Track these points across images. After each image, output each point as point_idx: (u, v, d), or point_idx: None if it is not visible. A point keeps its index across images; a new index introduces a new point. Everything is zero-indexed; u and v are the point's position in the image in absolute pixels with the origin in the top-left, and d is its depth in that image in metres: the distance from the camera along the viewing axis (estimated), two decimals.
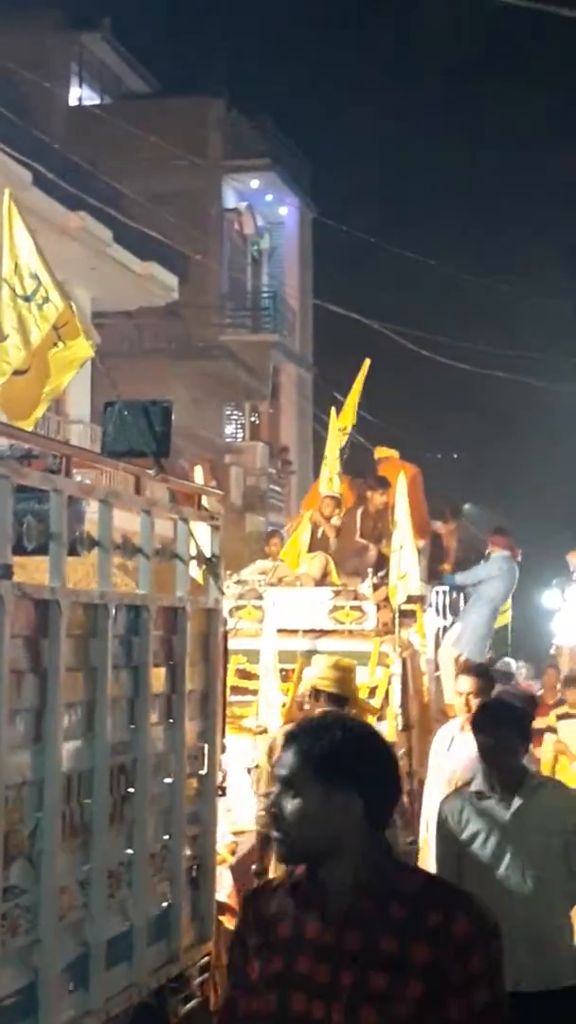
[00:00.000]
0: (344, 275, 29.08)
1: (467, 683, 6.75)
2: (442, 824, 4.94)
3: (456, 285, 28.92)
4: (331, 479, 11.46)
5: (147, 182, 23.18)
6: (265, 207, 27.68)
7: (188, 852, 5.53)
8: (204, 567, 6.00)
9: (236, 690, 9.46)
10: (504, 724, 4.83)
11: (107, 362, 21.71)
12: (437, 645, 11.03)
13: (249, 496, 25.24)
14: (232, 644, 9.77)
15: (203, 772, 5.74)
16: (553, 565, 18.87)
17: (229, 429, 27.09)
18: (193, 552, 5.81)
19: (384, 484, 11.33)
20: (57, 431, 18.45)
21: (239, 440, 26.96)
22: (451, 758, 6.82)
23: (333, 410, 12.11)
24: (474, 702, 6.55)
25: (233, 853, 6.74)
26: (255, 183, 26.79)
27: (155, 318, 23.42)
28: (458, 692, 6.87)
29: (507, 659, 15.46)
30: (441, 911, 2.40)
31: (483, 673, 7.06)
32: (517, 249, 36.92)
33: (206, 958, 5.67)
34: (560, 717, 10.69)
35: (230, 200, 26.45)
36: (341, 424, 12.17)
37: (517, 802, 4.76)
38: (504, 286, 30.26)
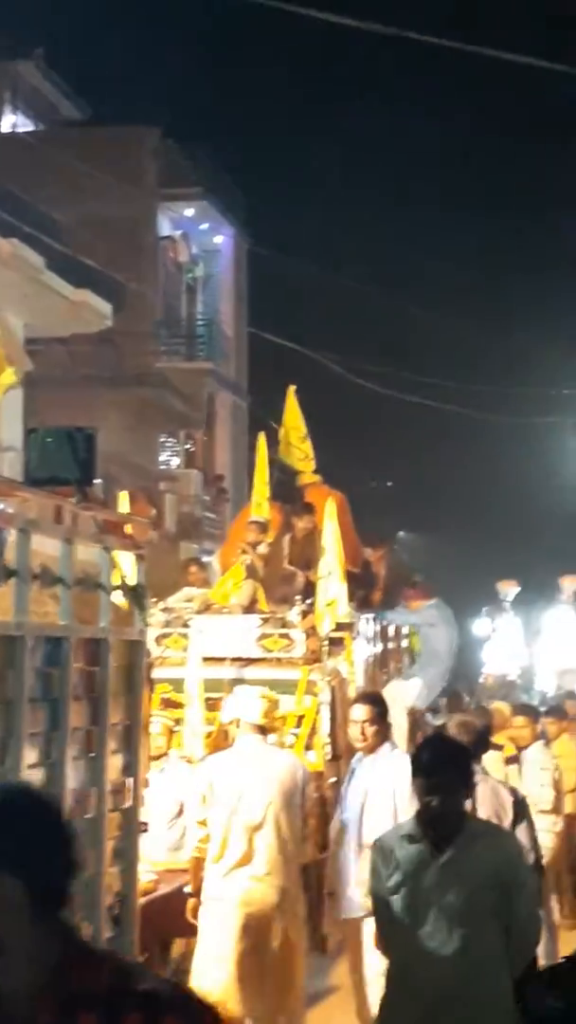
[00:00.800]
0: (279, 304, 29.13)
1: (361, 711, 6.56)
2: (374, 870, 4.53)
3: (391, 314, 29.08)
4: (260, 504, 11.35)
5: (81, 209, 22.98)
6: (200, 235, 27.61)
7: (110, 890, 5.40)
8: (128, 597, 5.88)
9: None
10: (442, 764, 4.37)
11: (41, 389, 21.59)
12: (366, 673, 10.91)
13: (184, 524, 25.07)
14: (158, 673, 9.62)
15: (126, 807, 5.60)
16: (486, 593, 18.92)
17: (164, 457, 26.91)
18: (117, 582, 5.70)
19: (309, 510, 11.23)
20: None
21: (174, 468, 26.79)
22: (350, 793, 6.59)
23: (262, 436, 12.03)
24: (369, 730, 6.46)
25: (147, 894, 6.31)
26: (190, 212, 26.71)
27: (89, 345, 23.18)
28: (352, 721, 6.68)
29: None
30: (142, 1014, 1.92)
31: (377, 701, 6.85)
32: (453, 278, 37.20)
33: None
34: None
35: (165, 228, 26.35)
36: (296, 457, 12.05)
37: (450, 851, 4.30)
38: (440, 316, 30.42)
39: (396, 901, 4.35)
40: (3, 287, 17.35)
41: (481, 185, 44.51)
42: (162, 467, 26.37)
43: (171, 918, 6.67)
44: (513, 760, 8.86)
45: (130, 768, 5.66)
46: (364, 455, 31.78)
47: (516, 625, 17.57)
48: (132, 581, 5.88)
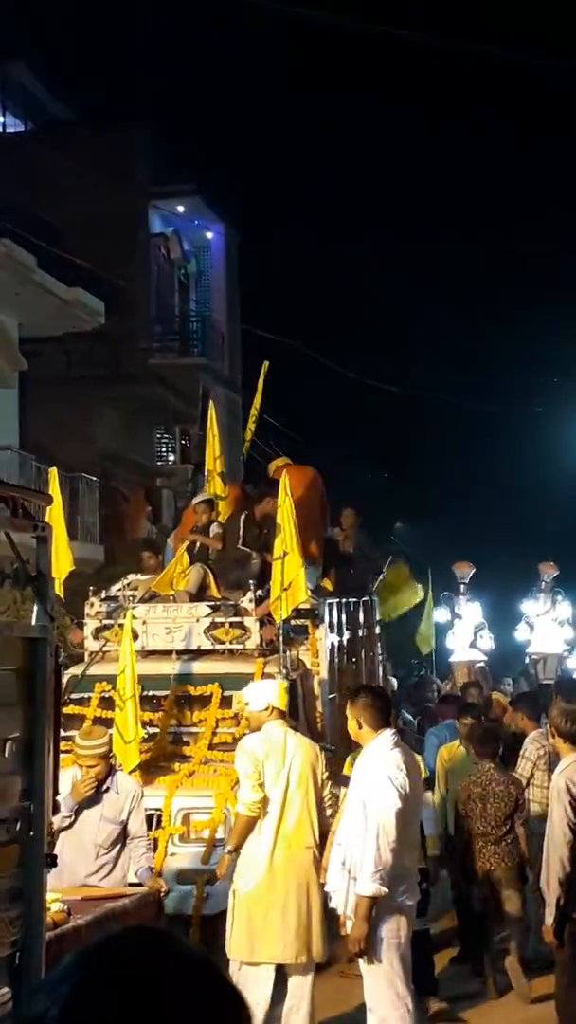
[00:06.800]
0: (272, 298, 28.16)
1: None
2: None
3: (383, 307, 28.15)
4: (211, 481, 10.21)
5: (73, 209, 22.19)
6: (192, 231, 26.63)
7: (8, 937, 4.36)
8: (27, 586, 4.87)
9: (100, 722, 8.17)
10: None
11: (37, 388, 20.68)
12: (331, 664, 9.29)
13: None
14: (97, 670, 8.37)
15: (27, 838, 4.49)
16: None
17: (160, 452, 26.01)
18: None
19: (273, 490, 10.06)
20: None
21: (170, 463, 25.88)
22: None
23: (212, 409, 10.96)
24: None
25: (56, 925, 5.13)
26: (181, 208, 25.79)
27: (84, 343, 22.41)
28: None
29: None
30: None
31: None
32: (447, 271, 36.20)
33: None
34: None
35: (156, 225, 25.43)
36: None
37: None
38: (433, 308, 29.51)
39: None
40: None
41: (472, 182, 43.43)
42: (159, 463, 25.46)
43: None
44: None
45: (31, 792, 4.62)
46: (358, 445, 30.87)
47: (476, 609, 16.14)
48: (32, 568, 4.86)
